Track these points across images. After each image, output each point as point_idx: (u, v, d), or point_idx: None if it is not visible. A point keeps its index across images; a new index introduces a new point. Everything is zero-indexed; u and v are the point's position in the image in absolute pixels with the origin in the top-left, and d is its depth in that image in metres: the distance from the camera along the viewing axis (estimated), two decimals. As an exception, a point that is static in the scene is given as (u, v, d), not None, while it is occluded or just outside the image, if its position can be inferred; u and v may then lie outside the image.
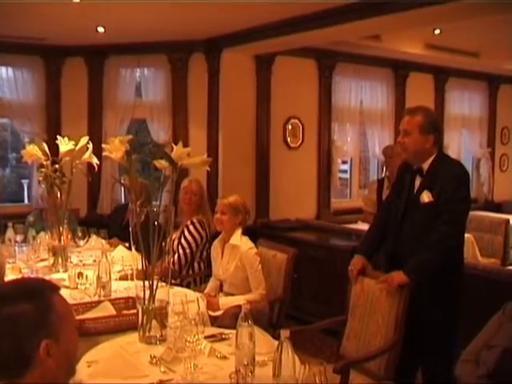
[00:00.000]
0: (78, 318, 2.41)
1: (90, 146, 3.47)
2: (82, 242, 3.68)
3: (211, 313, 3.10)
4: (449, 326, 2.77)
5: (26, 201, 6.15)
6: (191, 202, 3.91)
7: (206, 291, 3.45)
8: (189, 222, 3.87)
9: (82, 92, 5.66)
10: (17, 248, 3.62)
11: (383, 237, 2.99)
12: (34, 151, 3.50)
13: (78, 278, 3.05)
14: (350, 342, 2.82)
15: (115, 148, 2.30)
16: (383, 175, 4.94)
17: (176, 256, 3.77)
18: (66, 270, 3.35)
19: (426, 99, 6.49)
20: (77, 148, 3.46)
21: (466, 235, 3.46)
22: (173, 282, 3.13)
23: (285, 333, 1.74)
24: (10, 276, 3.10)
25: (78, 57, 5.62)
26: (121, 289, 3.02)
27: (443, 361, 2.73)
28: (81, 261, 3.26)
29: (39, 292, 1.29)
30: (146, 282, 2.30)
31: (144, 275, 2.30)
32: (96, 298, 2.84)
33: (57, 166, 3.47)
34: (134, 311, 2.41)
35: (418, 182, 2.83)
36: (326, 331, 3.46)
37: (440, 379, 2.77)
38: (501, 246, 5.67)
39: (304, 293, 4.72)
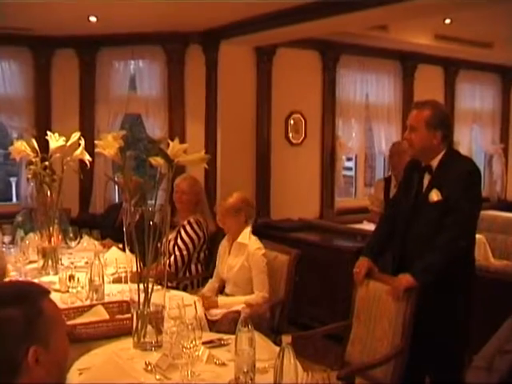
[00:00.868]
0: (69, 323, 2.42)
1: (82, 142, 3.46)
2: (73, 243, 3.69)
3: (209, 316, 3.12)
4: (459, 331, 2.77)
5: (14, 200, 6.16)
6: (182, 200, 3.94)
7: (202, 291, 3.47)
8: (185, 222, 3.88)
9: (73, 85, 5.65)
10: (4, 249, 3.62)
11: (390, 237, 2.99)
12: (22, 147, 3.51)
13: (70, 281, 3.04)
14: (354, 348, 2.82)
15: (108, 144, 2.30)
16: (390, 173, 4.93)
17: (172, 258, 3.78)
18: (56, 273, 3.36)
19: (435, 93, 6.48)
20: (68, 144, 3.45)
21: (478, 236, 3.47)
22: (169, 284, 3.13)
23: (286, 338, 1.74)
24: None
25: (68, 48, 5.60)
26: (114, 292, 3.01)
27: (453, 368, 2.73)
28: (72, 263, 3.26)
29: (28, 296, 1.29)
30: (141, 285, 2.30)
31: (139, 278, 2.30)
32: (88, 302, 2.84)
33: (47, 163, 3.47)
34: (128, 316, 2.42)
35: (426, 180, 2.83)
36: (329, 337, 3.46)
37: (450, 387, 2.77)
38: (514, 247, 5.67)
39: (307, 296, 4.72)
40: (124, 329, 2.42)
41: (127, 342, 2.31)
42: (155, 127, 5.61)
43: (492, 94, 7.54)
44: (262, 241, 3.59)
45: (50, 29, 5.23)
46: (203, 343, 2.18)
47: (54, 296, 1.39)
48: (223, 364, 2.11)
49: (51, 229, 3.49)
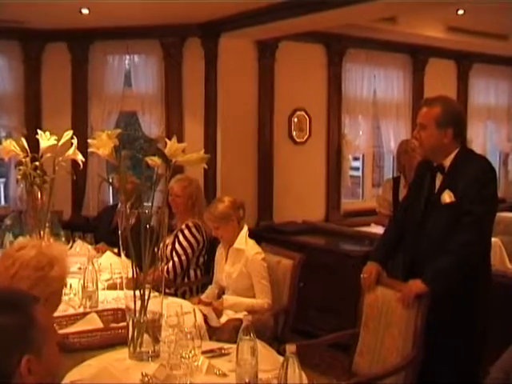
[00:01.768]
0: (61, 331, 2.42)
1: (75, 141, 3.46)
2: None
3: (211, 323, 3.11)
4: (475, 340, 2.77)
5: (2, 202, 6.18)
6: (176, 204, 3.95)
7: (201, 297, 3.47)
8: (183, 226, 3.88)
9: (65, 81, 5.66)
10: (-7, 254, 3.63)
11: (400, 241, 2.99)
12: (11, 147, 3.50)
13: (62, 287, 3.05)
14: (362, 358, 2.82)
15: (102, 143, 2.30)
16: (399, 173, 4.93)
17: (170, 264, 3.79)
18: (47, 279, 3.36)
19: (447, 88, 6.48)
20: (59, 143, 3.45)
21: (493, 239, 3.45)
22: (167, 291, 3.13)
23: (291, 347, 1.74)
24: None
25: (59, 42, 5.61)
26: (109, 299, 3.02)
27: (469, 379, 2.73)
28: (64, 268, 3.27)
29: (18, 304, 1.30)
30: (137, 292, 2.30)
31: (135, 284, 2.30)
32: (81, 310, 2.85)
33: (37, 163, 3.46)
34: (124, 324, 2.42)
35: (438, 180, 2.83)
36: (336, 346, 3.46)
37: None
38: (532, 251, 5.65)
39: (311, 303, 4.73)
40: (119, 338, 2.42)
41: (122, 352, 2.31)
42: (152, 125, 5.62)
43: (507, 89, 7.52)
44: (264, 245, 3.60)
45: (39, 21, 5.23)
46: (203, 353, 2.18)
47: (46, 303, 1.39)
48: (224, 375, 2.11)
49: (42, 232, 3.48)
